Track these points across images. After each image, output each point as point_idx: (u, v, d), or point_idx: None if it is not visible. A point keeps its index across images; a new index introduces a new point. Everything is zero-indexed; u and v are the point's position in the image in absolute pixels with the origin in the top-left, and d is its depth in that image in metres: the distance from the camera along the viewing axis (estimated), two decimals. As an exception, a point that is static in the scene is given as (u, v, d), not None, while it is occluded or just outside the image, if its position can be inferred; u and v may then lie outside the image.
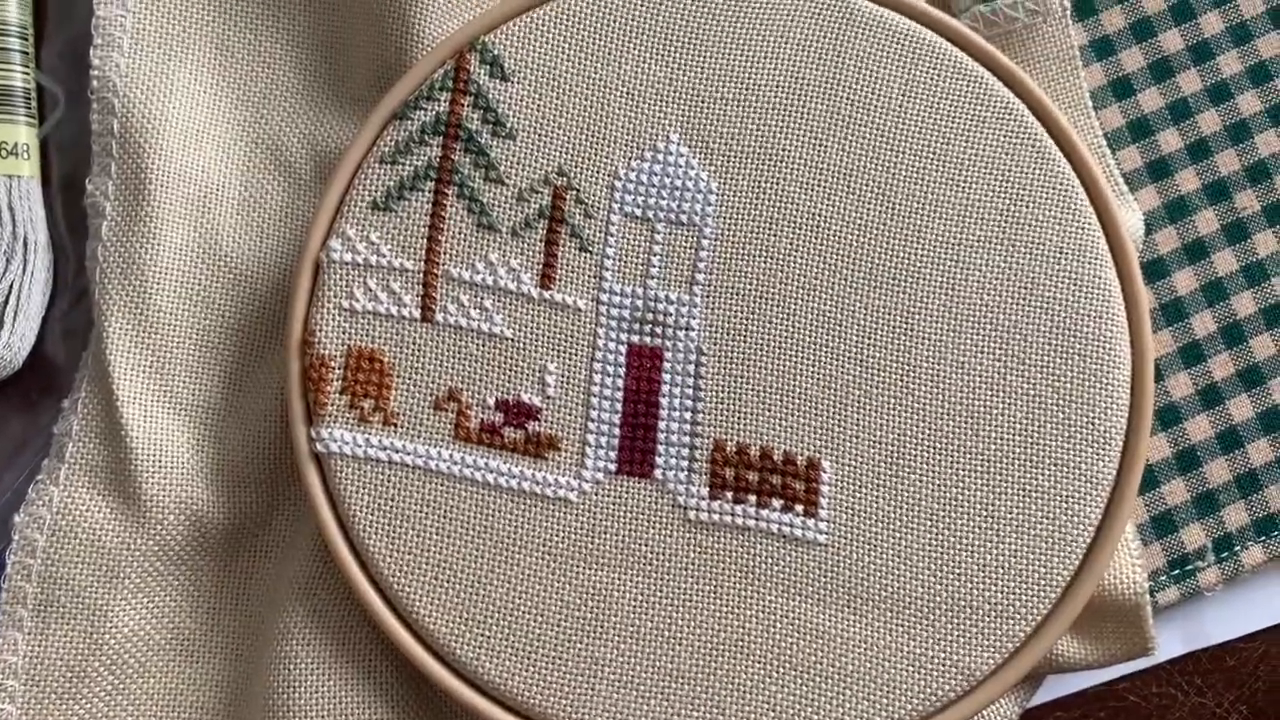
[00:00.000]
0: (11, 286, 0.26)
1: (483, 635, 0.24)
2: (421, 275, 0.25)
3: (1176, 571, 0.27)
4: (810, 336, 0.25)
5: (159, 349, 0.26)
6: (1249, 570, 0.27)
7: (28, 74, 0.27)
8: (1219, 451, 0.27)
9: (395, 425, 0.24)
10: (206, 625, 0.26)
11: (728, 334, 0.25)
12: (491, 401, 0.25)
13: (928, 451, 0.24)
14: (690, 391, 0.25)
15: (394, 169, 0.25)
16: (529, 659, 0.24)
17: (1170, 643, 0.27)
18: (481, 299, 0.25)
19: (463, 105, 0.25)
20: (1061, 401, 0.24)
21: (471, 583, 0.24)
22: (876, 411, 0.24)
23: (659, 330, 0.25)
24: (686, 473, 0.24)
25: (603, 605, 0.24)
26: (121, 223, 0.26)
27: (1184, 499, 0.27)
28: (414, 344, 0.25)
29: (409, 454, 0.24)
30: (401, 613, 0.24)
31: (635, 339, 0.25)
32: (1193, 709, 0.27)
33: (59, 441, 0.26)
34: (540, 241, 0.25)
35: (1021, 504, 0.24)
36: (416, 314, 0.25)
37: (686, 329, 0.25)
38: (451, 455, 0.24)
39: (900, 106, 0.25)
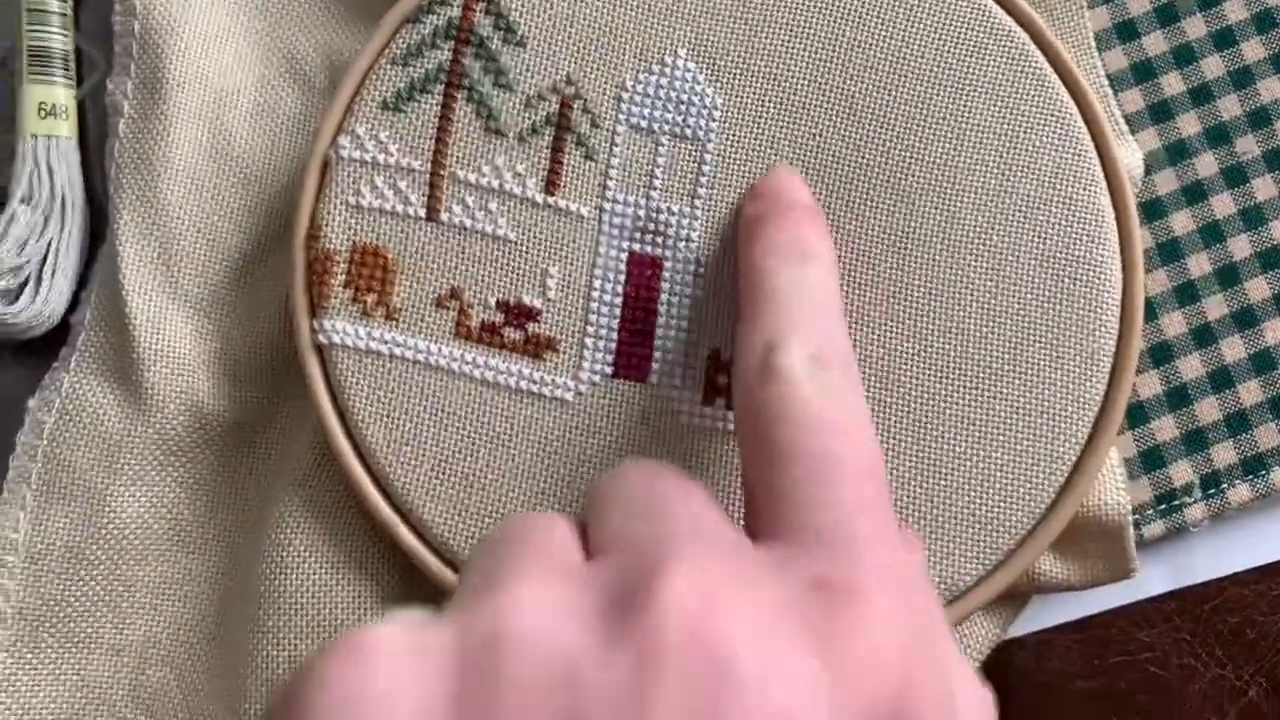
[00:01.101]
0: (50, 244, 0.27)
1: (476, 527, 0.25)
2: (428, 176, 0.26)
3: (1163, 506, 0.28)
4: (808, 252, 0.25)
5: (167, 242, 0.27)
6: (1235, 508, 0.28)
7: (66, 37, 0.28)
8: (1210, 390, 0.28)
9: (397, 320, 0.25)
10: (204, 517, 0.27)
11: (727, 246, 0.25)
12: (493, 301, 0.25)
13: (919, 367, 0.25)
14: (688, 300, 0.25)
15: (405, 71, 0.26)
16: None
17: (1157, 579, 0.28)
18: (486, 201, 0.26)
19: (475, 11, 0.26)
20: (1052, 322, 0.25)
21: (466, 476, 0.25)
22: (869, 326, 0.25)
23: (660, 240, 0.26)
24: (681, 379, 0.25)
25: (593, 502, 0.25)
26: (138, 120, 0.27)
27: (1173, 435, 0.28)
28: (418, 242, 0.26)
29: (410, 348, 0.25)
30: (397, 503, 0.25)
31: (636, 247, 0.26)
32: (1213, 680, 0.28)
33: (74, 331, 0.27)
34: (546, 148, 0.26)
35: (1009, 420, 0.25)
36: (422, 213, 0.26)
37: (687, 240, 0.26)
38: (451, 352, 0.25)
39: (903, 31, 0.26)
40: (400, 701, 0.15)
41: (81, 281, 0.28)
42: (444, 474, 0.25)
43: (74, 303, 0.28)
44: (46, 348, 0.27)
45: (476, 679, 0.15)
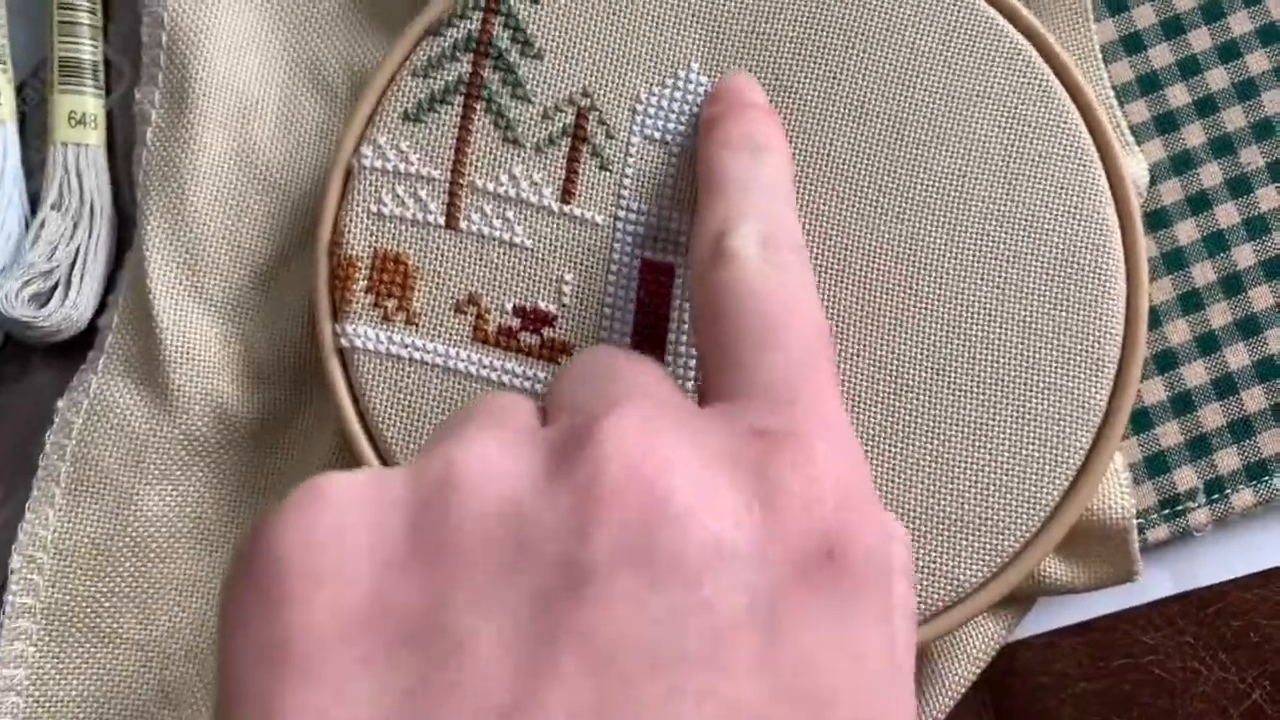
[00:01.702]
0: (78, 250, 0.28)
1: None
2: (448, 184, 0.27)
3: (1167, 511, 0.28)
4: (814, 260, 0.26)
5: (193, 248, 0.28)
6: (1239, 513, 0.28)
7: (96, 47, 0.29)
8: (1214, 397, 0.29)
9: (417, 325, 0.26)
10: (227, 517, 0.28)
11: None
12: (510, 307, 0.26)
13: (925, 373, 0.26)
14: (700, 307, 0.26)
15: (425, 82, 0.27)
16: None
17: (1160, 582, 0.29)
18: (504, 210, 0.27)
19: (494, 24, 0.27)
20: (1058, 329, 0.26)
21: (482, 476, 0.26)
22: (877, 333, 0.26)
23: (672, 247, 0.27)
24: (693, 384, 0.26)
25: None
26: (165, 129, 0.28)
27: (1177, 441, 0.29)
28: (438, 249, 0.27)
29: (429, 352, 0.26)
30: (414, 502, 0.26)
31: (649, 255, 0.27)
32: (1217, 683, 0.29)
33: (101, 334, 0.28)
34: (563, 158, 0.27)
35: (1015, 426, 0.26)
36: (441, 221, 0.27)
37: (699, 248, 0.26)
38: (469, 355, 0.26)
39: (912, 44, 0.27)
40: (356, 539, 0.16)
41: (109, 286, 0.29)
42: (461, 475, 0.26)
43: (101, 306, 0.29)
44: (75, 350, 0.28)
45: (428, 516, 0.16)
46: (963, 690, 0.27)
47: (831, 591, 0.16)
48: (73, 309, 0.28)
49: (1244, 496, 0.28)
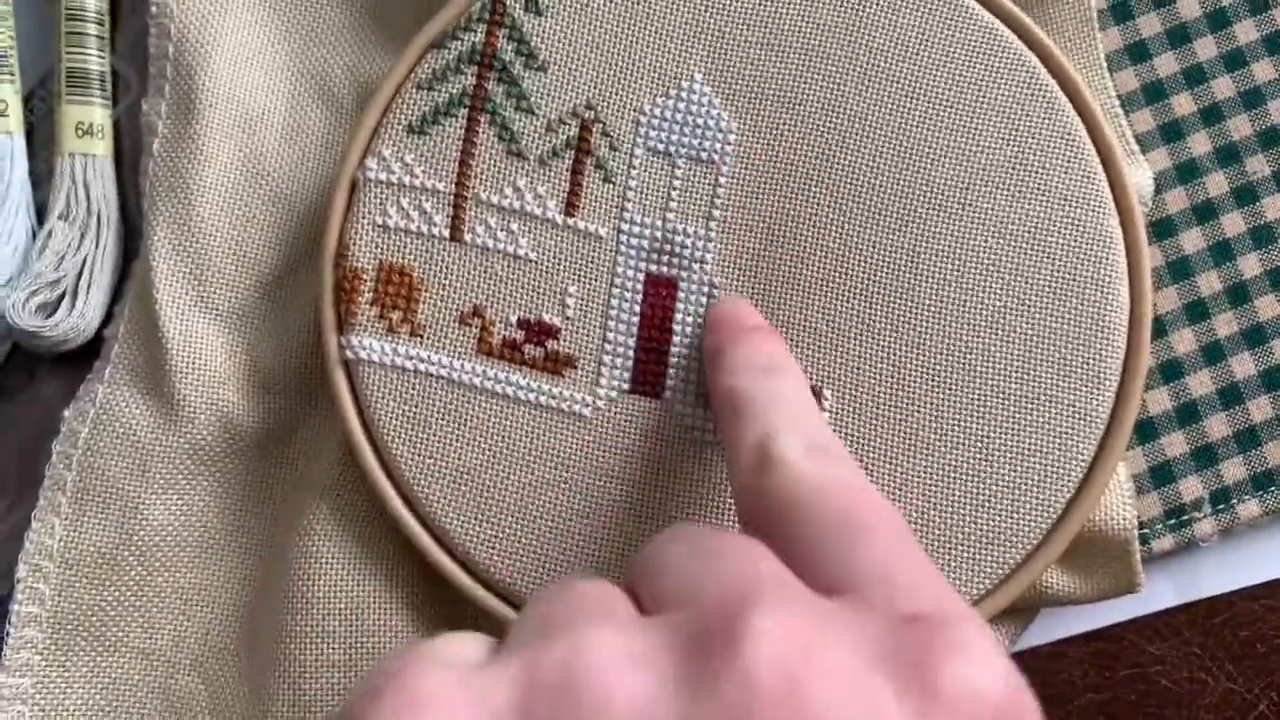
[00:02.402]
0: (85, 260, 0.29)
1: (496, 536, 0.26)
2: (452, 197, 0.27)
3: (1173, 521, 0.29)
4: (818, 273, 0.27)
5: (199, 258, 0.28)
6: (1244, 524, 0.29)
7: (103, 58, 0.30)
8: (1219, 407, 0.29)
9: (421, 336, 0.27)
10: (232, 526, 0.28)
11: (740, 267, 0.27)
12: (514, 319, 0.27)
13: (928, 385, 0.26)
14: (702, 319, 0.27)
15: (430, 95, 0.27)
16: (538, 560, 0.26)
17: (1166, 593, 0.29)
18: (508, 222, 0.27)
19: (498, 37, 0.27)
20: (1060, 342, 0.26)
21: (487, 487, 0.26)
22: (879, 345, 0.26)
23: (675, 261, 0.27)
24: (695, 395, 0.27)
25: (610, 513, 0.26)
26: (171, 140, 0.29)
27: (1183, 451, 0.29)
28: (443, 261, 0.27)
29: (433, 364, 0.27)
30: (420, 513, 0.26)
31: (653, 268, 0.27)
32: (1223, 694, 0.29)
33: (108, 344, 0.29)
34: (566, 171, 0.27)
35: (1017, 438, 0.26)
36: (446, 233, 0.27)
37: (701, 261, 0.27)
38: (474, 367, 0.27)
39: (916, 55, 0.27)
40: None
41: (116, 296, 0.29)
42: (465, 485, 0.26)
43: (108, 317, 0.29)
44: (81, 360, 0.29)
45: None
46: (966, 701, 0.27)
47: None
48: (80, 319, 0.28)
49: (1250, 507, 0.29)
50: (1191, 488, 0.29)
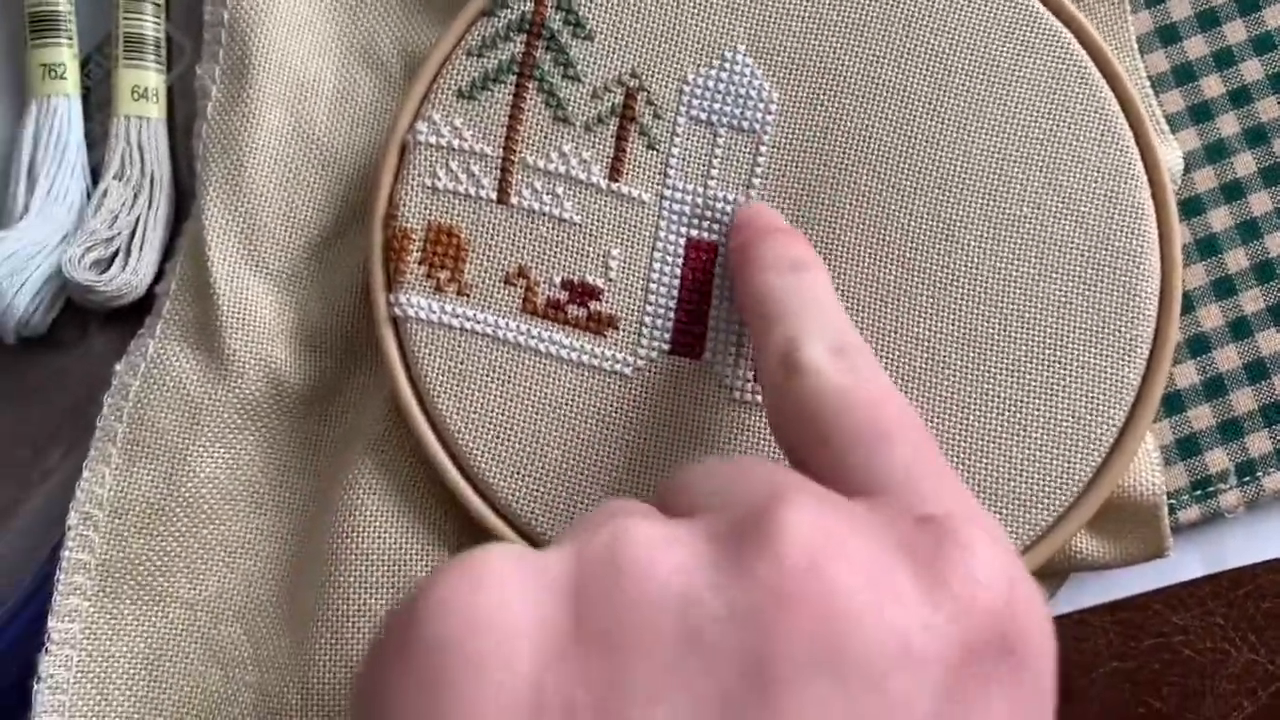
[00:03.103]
0: (138, 219, 0.30)
1: (538, 491, 0.27)
2: (500, 160, 0.28)
3: (1199, 492, 0.29)
4: (856, 240, 0.27)
5: (250, 218, 0.29)
6: (1269, 495, 0.29)
7: (159, 24, 0.31)
8: (1246, 381, 0.30)
9: (468, 295, 0.28)
10: (277, 480, 0.29)
11: (780, 233, 0.28)
12: (558, 280, 0.28)
13: (963, 350, 0.27)
14: (742, 283, 0.27)
15: (479, 61, 0.28)
16: (578, 513, 0.27)
17: (1191, 563, 0.30)
18: (554, 186, 0.28)
19: (546, 6, 0.28)
20: (1092, 310, 0.27)
21: (529, 442, 0.27)
22: (916, 311, 0.27)
23: (716, 226, 0.28)
24: (734, 356, 0.27)
25: (649, 470, 0.27)
26: (224, 103, 0.30)
27: (1209, 424, 0.30)
28: (489, 223, 0.28)
29: (479, 322, 0.27)
30: (464, 466, 0.27)
31: (694, 233, 0.28)
32: (1246, 665, 0.29)
33: (159, 300, 0.29)
34: (611, 137, 0.28)
35: (1049, 403, 0.27)
36: (493, 196, 0.28)
37: (742, 226, 0.28)
38: (518, 326, 0.27)
39: (953, 29, 0.28)
40: (518, 623, 0.15)
41: (167, 254, 0.30)
42: (508, 440, 0.27)
43: (159, 274, 0.30)
44: (132, 316, 0.30)
45: (593, 601, 0.16)
46: (995, 662, 0.28)
47: (1010, 685, 0.16)
48: (133, 275, 0.29)
49: (1275, 479, 0.29)
50: (1218, 459, 0.30)
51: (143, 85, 0.30)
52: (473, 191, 0.28)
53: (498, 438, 0.27)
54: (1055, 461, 0.27)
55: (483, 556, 0.16)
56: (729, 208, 0.28)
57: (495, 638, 0.15)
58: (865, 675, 0.15)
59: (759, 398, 0.27)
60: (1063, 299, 0.27)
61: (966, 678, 0.16)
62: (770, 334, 0.22)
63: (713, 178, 0.28)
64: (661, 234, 0.28)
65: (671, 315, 0.28)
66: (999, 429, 0.27)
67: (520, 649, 0.15)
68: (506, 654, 0.15)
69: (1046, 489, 0.27)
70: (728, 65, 0.28)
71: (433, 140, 0.28)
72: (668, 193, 0.28)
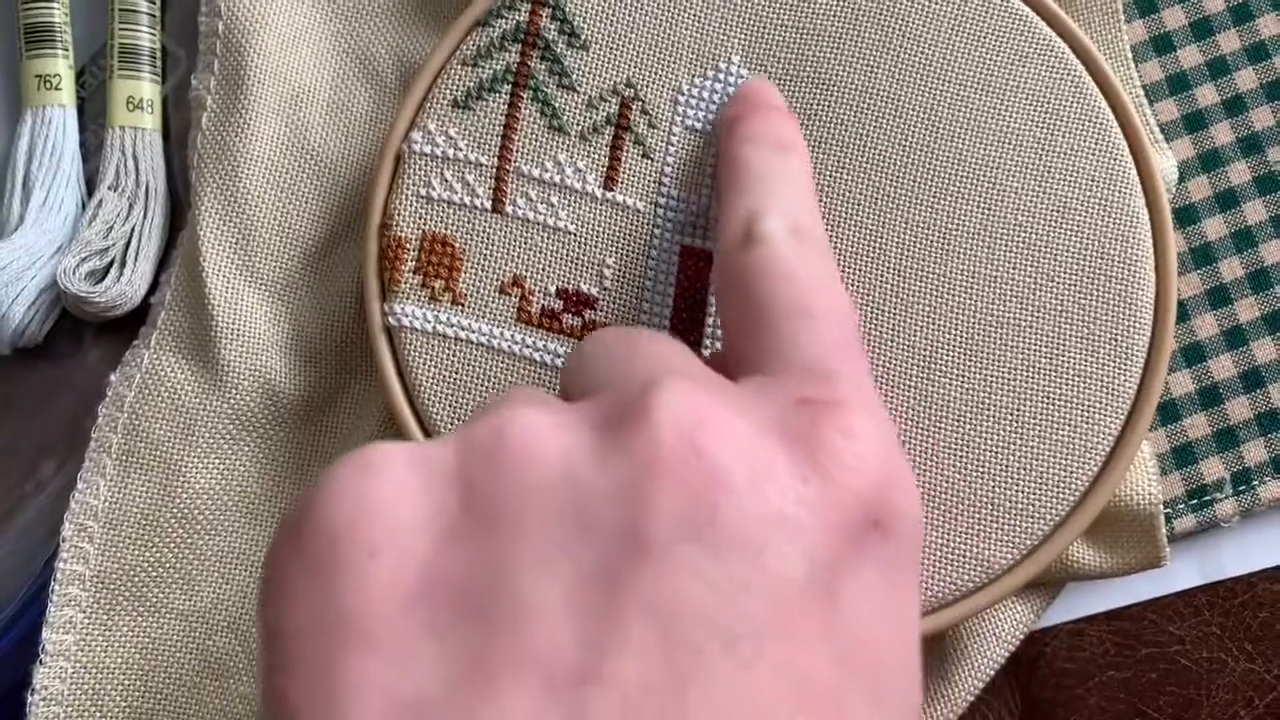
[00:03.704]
0: (133, 230, 0.30)
1: (532, 500, 0.27)
2: (494, 170, 0.28)
3: (1194, 501, 0.29)
4: (851, 248, 0.27)
5: (245, 229, 0.29)
6: (1266, 505, 0.29)
7: (154, 35, 0.31)
8: (1241, 390, 0.30)
9: (463, 305, 0.28)
10: (272, 491, 0.29)
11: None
12: (553, 289, 0.28)
13: (958, 358, 0.27)
14: (737, 292, 0.27)
15: (474, 71, 0.28)
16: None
17: (1188, 573, 0.30)
18: (549, 195, 0.28)
19: (541, 15, 0.28)
20: (1088, 318, 0.27)
21: (524, 452, 0.27)
22: (911, 320, 0.27)
23: (711, 235, 0.28)
24: (730, 366, 0.27)
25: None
26: (219, 114, 0.30)
27: (1205, 433, 0.30)
28: (484, 232, 0.28)
29: (474, 331, 0.27)
30: (458, 476, 0.27)
31: (688, 241, 0.28)
32: (1243, 674, 0.29)
33: (154, 310, 0.29)
34: (606, 146, 0.28)
35: (1045, 412, 0.27)
36: (488, 205, 0.28)
37: (737, 235, 0.28)
38: (513, 335, 0.27)
39: (948, 39, 0.28)
40: (409, 508, 0.16)
41: (162, 265, 0.30)
42: (504, 451, 0.27)
43: (154, 285, 0.30)
44: (127, 327, 0.30)
45: (481, 484, 0.16)
46: (992, 672, 0.28)
47: (880, 559, 0.17)
48: (127, 286, 0.29)
49: (1271, 488, 0.29)
50: (1213, 468, 0.30)
51: (138, 96, 0.30)
52: (467, 201, 0.28)
53: (493, 448, 0.27)
54: (1051, 471, 0.27)
55: (374, 446, 0.17)
56: (724, 217, 0.28)
57: (386, 521, 0.16)
58: (737, 543, 0.16)
59: (754, 407, 0.27)
60: (1058, 308, 0.27)
61: (838, 548, 0.16)
62: (737, 203, 0.23)
63: (707, 187, 0.28)
64: (656, 243, 0.28)
65: (667, 324, 0.28)
66: (995, 438, 0.27)
67: (411, 532, 0.16)
68: (397, 537, 0.16)
69: (1043, 498, 0.27)
70: (722, 75, 0.28)
71: (427, 150, 0.28)
72: (663, 201, 0.28)
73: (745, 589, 0.15)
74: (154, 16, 0.31)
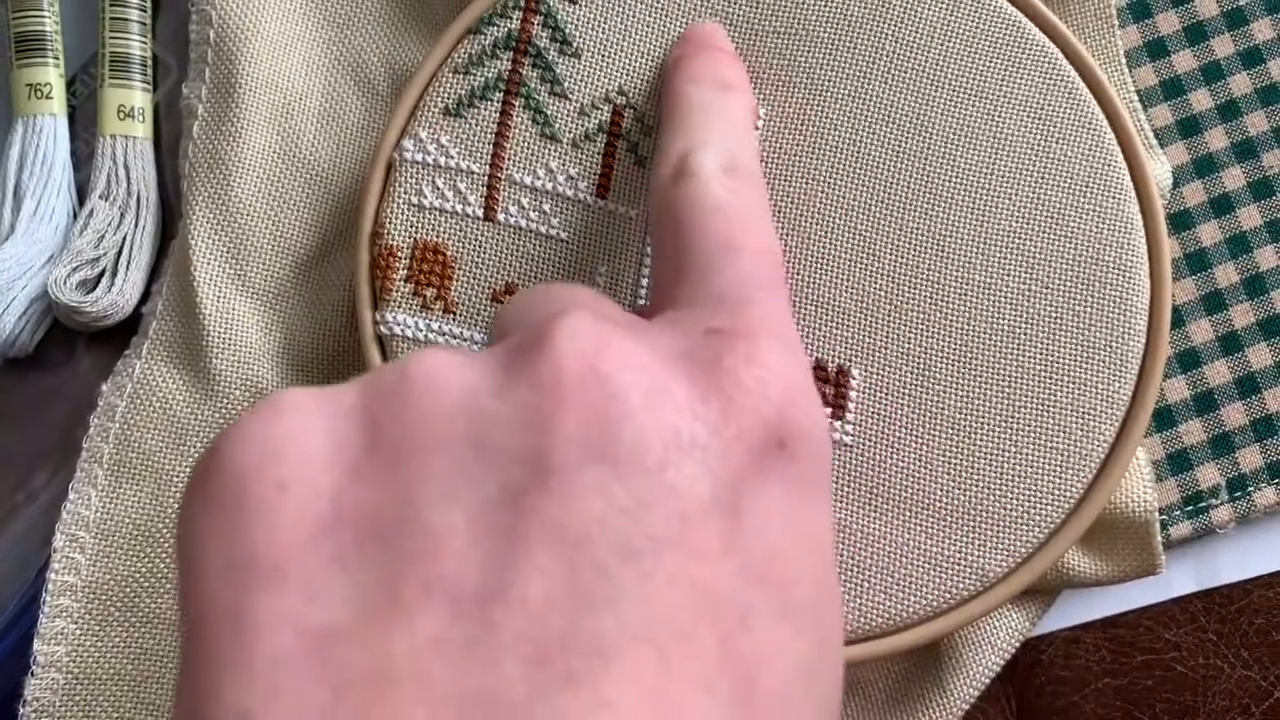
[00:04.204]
0: (125, 238, 0.30)
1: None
2: (486, 178, 0.28)
3: (1190, 508, 0.29)
4: (845, 255, 0.27)
5: (237, 237, 0.29)
6: (1261, 511, 0.29)
7: (145, 43, 0.31)
8: (1236, 396, 0.30)
9: (455, 313, 0.28)
10: (264, 501, 0.29)
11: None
12: (544, 298, 0.28)
13: (953, 365, 0.27)
14: (730, 300, 0.27)
15: (466, 79, 0.28)
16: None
17: (1183, 579, 0.30)
18: (541, 203, 0.28)
19: (533, 23, 0.28)
20: (1082, 325, 0.27)
21: (517, 461, 0.27)
22: (905, 326, 0.27)
23: (704, 243, 0.28)
24: (723, 374, 0.27)
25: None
26: (211, 122, 0.30)
27: (1200, 439, 0.30)
28: (476, 240, 0.28)
29: (466, 340, 0.27)
30: (450, 486, 0.27)
31: (681, 249, 0.28)
32: (1239, 681, 0.29)
33: (145, 320, 0.29)
34: (599, 154, 0.28)
35: (1040, 419, 0.27)
36: (480, 213, 0.28)
37: (730, 243, 0.28)
38: (505, 344, 0.27)
39: (940, 45, 0.28)
40: (315, 446, 0.16)
41: (153, 274, 0.30)
42: (496, 460, 0.27)
43: (146, 294, 0.30)
44: (119, 336, 0.30)
45: (385, 418, 0.16)
46: (987, 680, 0.28)
47: (785, 478, 0.17)
48: (119, 295, 0.29)
49: (1267, 494, 0.29)
50: (1209, 474, 0.30)
51: (129, 104, 0.30)
52: (459, 209, 0.28)
53: (485, 457, 0.27)
54: (1046, 478, 0.27)
55: (280, 392, 0.17)
56: (717, 224, 0.28)
57: (293, 457, 0.16)
58: (640, 464, 0.16)
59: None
60: (1052, 315, 0.27)
61: (741, 466, 0.17)
62: (674, 139, 0.23)
63: (700, 194, 0.28)
64: (649, 250, 0.28)
65: (660, 333, 0.27)
66: (989, 445, 0.27)
67: (317, 469, 0.16)
68: (304, 471, 0.16)
69: (1038, 506, 0.26)
70: (715, 82, 0.28)
71: (419, 158, 0.28)
72: (655, 210, 0.28)
73: (645, 505, 0.16)
74: (145, 25, 0.31)
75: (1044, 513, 0.26)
